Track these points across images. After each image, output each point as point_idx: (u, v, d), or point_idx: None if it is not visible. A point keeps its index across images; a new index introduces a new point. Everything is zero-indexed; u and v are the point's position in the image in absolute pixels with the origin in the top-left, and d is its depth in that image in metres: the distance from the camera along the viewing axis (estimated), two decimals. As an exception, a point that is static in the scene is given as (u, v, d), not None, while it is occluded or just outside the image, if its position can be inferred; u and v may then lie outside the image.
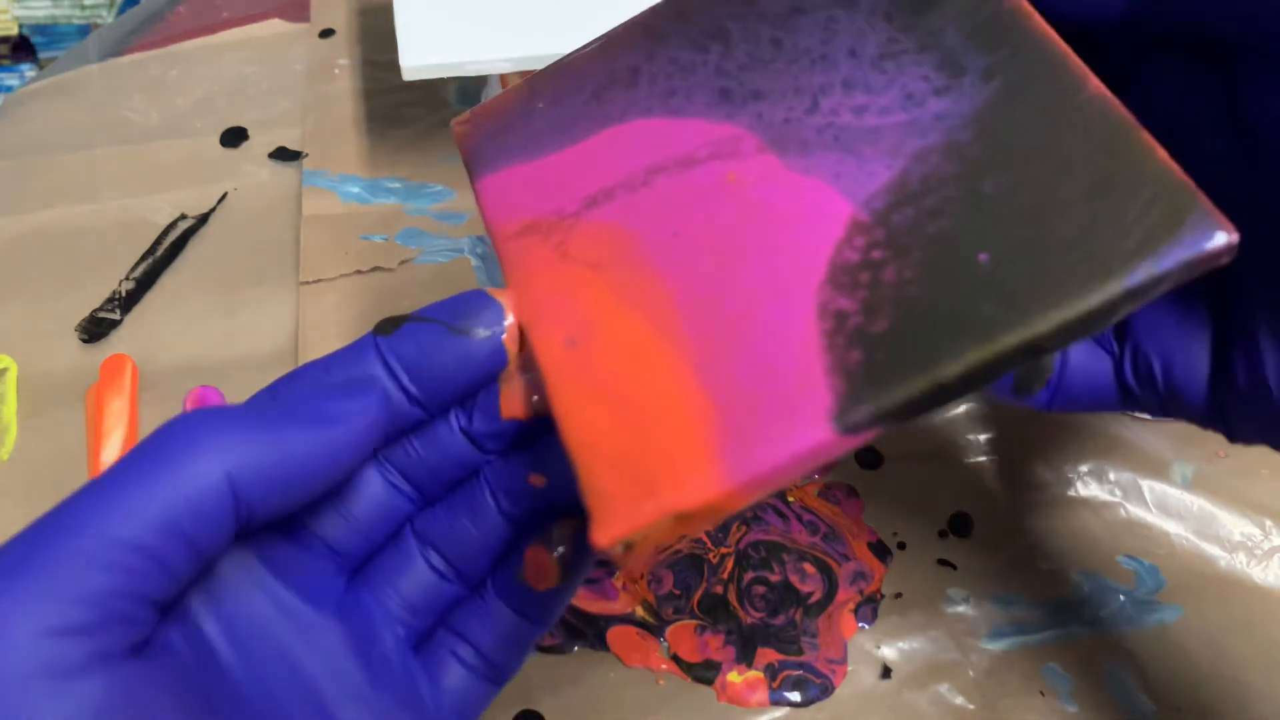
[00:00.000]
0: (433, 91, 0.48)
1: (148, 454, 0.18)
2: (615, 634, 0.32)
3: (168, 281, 0.42)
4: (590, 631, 0.32)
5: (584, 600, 0.33)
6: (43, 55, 1.45)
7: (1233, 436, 0.23)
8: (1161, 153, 0.19)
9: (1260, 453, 0.37)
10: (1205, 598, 0.34)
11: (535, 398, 0.22)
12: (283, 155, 0.46)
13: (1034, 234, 0.19)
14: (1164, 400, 0.23)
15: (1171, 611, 0.33)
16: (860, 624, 0.33)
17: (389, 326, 0.22)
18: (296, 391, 0.20)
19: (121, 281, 0.41)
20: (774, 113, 0.23)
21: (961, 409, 0.38)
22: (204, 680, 0.18)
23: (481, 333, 0.22)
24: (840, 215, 0.21)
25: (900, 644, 0.32)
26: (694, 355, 0.20)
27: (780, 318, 0.20)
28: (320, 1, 0.54)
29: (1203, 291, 0.22)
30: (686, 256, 0.22)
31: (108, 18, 1.39)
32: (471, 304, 0.22)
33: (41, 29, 1.44)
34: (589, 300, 0.22)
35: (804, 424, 0.19)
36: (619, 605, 0.33)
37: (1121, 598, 0.34)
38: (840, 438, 0.19)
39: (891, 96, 0.22)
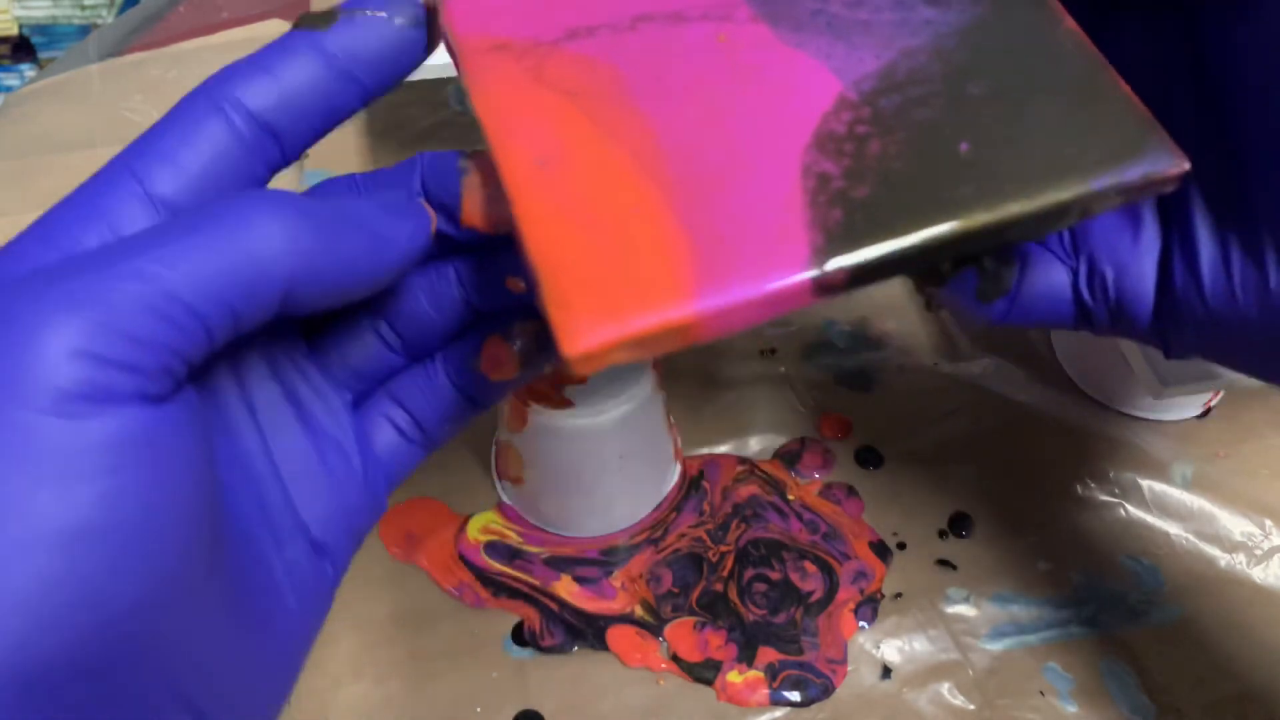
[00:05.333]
0: (433, 91, 0.48)
1: (219, 219, 0.18)
2: (615, 634, 0.32)
3: (168, 281, 0.42)
4: (590, 631, 0.32)
5: (583, 600, 0.33)
6: (43, 55, 1.45)
7: (1169, 350, 0.25)
8: (1127, 88, 0.22)
9: (1260, 452, 0.37)
10: (1205, 598, 0.34)
11: (497, 210, 0.22)
12: (283, 155, 0.46)
13: (1012, 133, 0.21)
14: (1113, 312, 0.25)
15: (1171, 611, 0.33)
16: (860, 623, 0.33)
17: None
18: (361, 207, 0.21)
19: (121, 281, 0.41)
20: None
21: (962, 411, 0.38)
22: (204, 443, 0.19)
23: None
24: (829, 90, 0.22)
25: (900, 644, 0.32)
26: (673, 192, 0.21)
27: (764, 171, 0.21)
28: (320, 2, 0.54)
29: (1152, 214, 0.24)
30: (671, 102, 0.22)
31: (108, 18, 1.39)
32: None
33: (41, 29, 1.44)
34: (564, 125, 0.22)
35: (780, 266, 0.20)
36: (618, 604, 0.33)
37: (1121, 598, 0.34)
38: (812, 285, 0.20)
39: None
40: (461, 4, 0.24)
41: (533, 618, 0.32)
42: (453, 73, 0.42)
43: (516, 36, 0.24)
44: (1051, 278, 0.25)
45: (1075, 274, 0.25)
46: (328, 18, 0.22)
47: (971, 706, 0.31)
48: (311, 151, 0.46)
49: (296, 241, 0.19)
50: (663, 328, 0.19)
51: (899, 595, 0.33)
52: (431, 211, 0.22)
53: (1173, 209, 0.24)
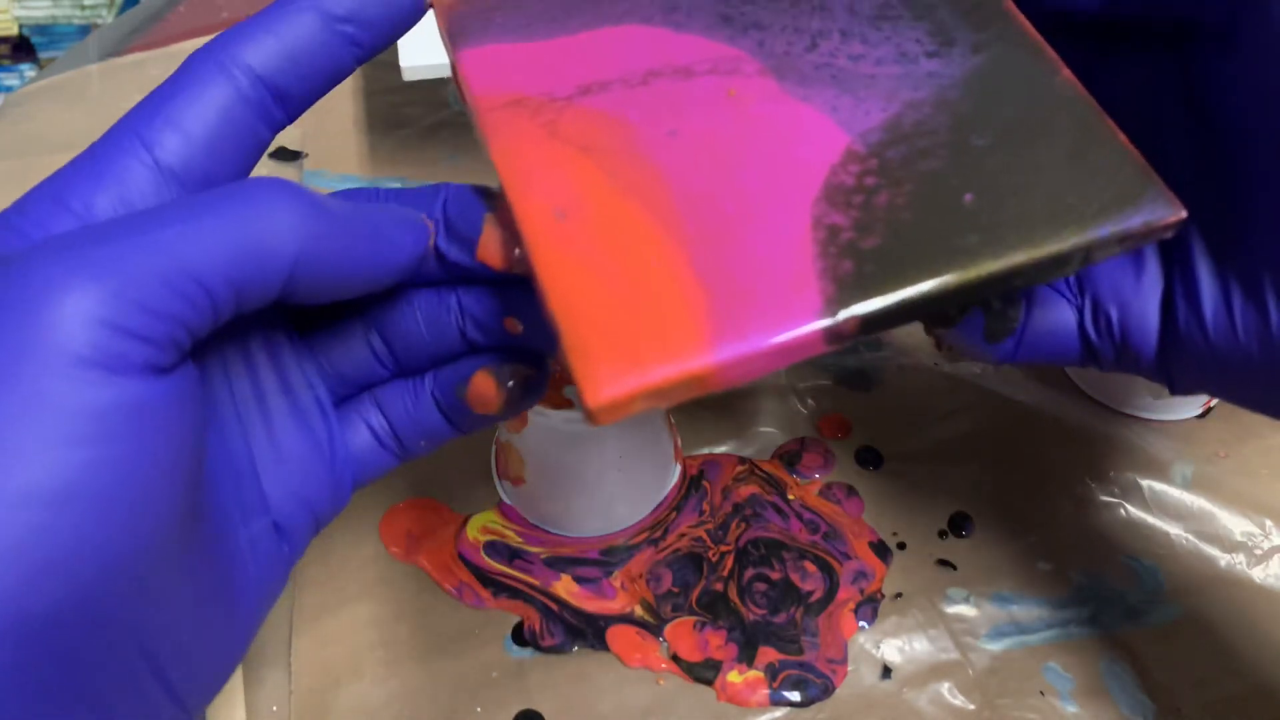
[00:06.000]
0: (433, 91, 0.48)
1: (237, 199, 0.19)
2: (615, 633, 0.32)
3: (168, 281, 0.42)
4: (590, 631, 0.32)
5: (583, 600, 0.33)
6: (43, 55, 1.45)
7: (1174, 386, 0.25)
8: (1123, 136, 0.22)
9: (1260, 452, 0.37)
10: (1205, 598, 0.34)
11: (516, 252, 0.23)
12: (283, 155, 0.46)
13: (1015, 183, 0.22)
14: (1118, 350, 0.25)
15: (1171, 611, 0.33)
16: (860, 623, 0.33)
17: None
18: (370, 211, 0.22)
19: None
20: (774, 44, 0.24)
21: (962, 411, 0.38)
22: (198, 416, 0.19)
23: None
24: (837, 143, 0.23)
25: (900, 644, 0.32)
26: (690, 244, 0.21)
27: (776, 223, 0.22)
28: None
29: (1155, 254, 0.25)
30: (683, 155, 0.23)
31: (108, 18, 1.39)
32: None
33: (41, 29, 1.44)
34: (579, 179, 0.23)
35: (794, 317, 0.20)
36: (617, 604, 0.33)
37: (1121, 598, 0.34)
38: (824, 334, 0.20)
39: (886, 50, 0.24)
40: (476, 61, 0.25)
41: (533, 618, 0.32)
42: (451, 73, 0.42)
43: (531, 93, 0.24)
44: (1057, 317, 0.26)
45: (1081, 313, 0.25)
46: None
47: (971, 706, 0.31)
48: (311, 151, 0.46)
49: (306, 229, 0.19)
50: (682, 378, 0.20)
51: (899, 595, 0.33)
52: (430, 225, 0.23)
53: (1174, 249, 0.25)
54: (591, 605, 0.33)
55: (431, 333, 0.24)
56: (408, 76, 0.38)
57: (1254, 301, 0.23)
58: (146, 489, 0.18)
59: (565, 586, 0.33)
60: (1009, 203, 0.22)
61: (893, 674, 0.32)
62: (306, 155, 0.46)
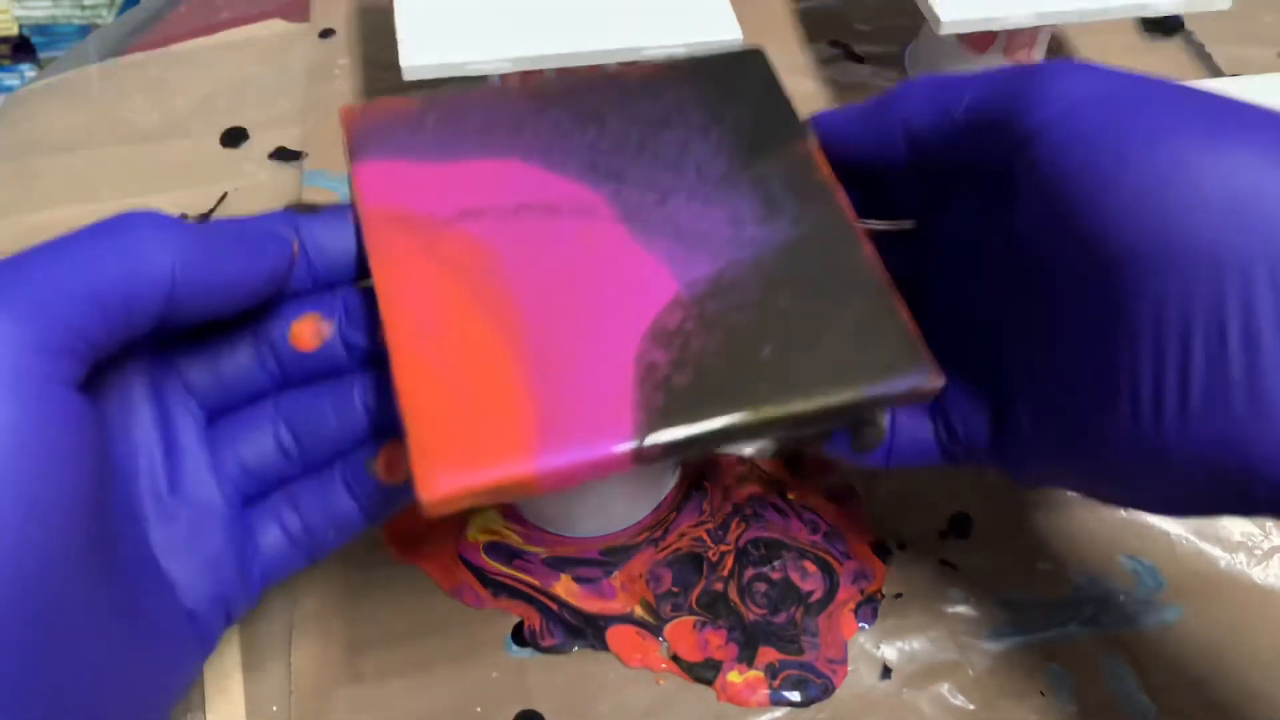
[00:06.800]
0: (433, 91, 0.48)
1: (111, 229, 0.22)
2: (615, 634, 0.32)
3: (168, 281, 0.42)
4: (590, 631, 0.32)
5: (583, 600, 0.33)
6: (43, 55, 1.45)
7: (1019, 481, 0.29)
8: (906, 313, 0.26)
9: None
10: (1205, 598, 0.34)
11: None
12: (283, 155, 0.46)
13: (806, 342, 0.25)
14: (968, 457, 0.29)
15: (1171, 611, 0.33)
16: (860, 624, 0.33)
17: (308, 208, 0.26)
18: (228, 226, 0.24)
19: (121, 281, 0.41)
20: (630, 195, 0.28)
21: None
22: (99, 439, 0.21)
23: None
24: (667, 290, 0.26)
25: (900, 644, 0.32)
26: (530, 365, 0.24)
27: (607, 354, 0.25)
28: (320, 1, 0.54)
29: (982, 378, 0.28)
30: (538, 284, 0.26)
31: (108, 18, 1.39)
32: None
33: (41, 29, 1.44)
34: (446, 296, 0.25)
35: (607, 441, 0.23)
36: (617, 604, 0.33)
37: (1121, 598, 0.34)
38: (632, 455, 0.23)
39: (722, 214, 0.28)
40: (372, 175, 0.28)
41: (533, 618, 0.32)
42: (452, 73, 0.42)
43: (416, 210, 0.27)
44: (918, 430, 0.29)
45: (936, 425, 0.29)
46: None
47: (972, 706, 0.31)
48: (311, 151, 0.46)
49: (178, 241, 0.22)
50: (506, 483, 0.23)
51: (899, 595, 0.33)
52: (295, 240, 0.26)
53: (998, 373, 0.28)
54: (591, 605, 0.33)
55: (339, 419, 0.26)
56: (408, 77, 0.38)
57: (1015, 424, 0.27)
58: (52, 502, 0.19)
59: (565, 586, 0.33)
60: (799, 359, 0.25)
61: (893, 674, 0.32)
62: (307, 155, 0.46)
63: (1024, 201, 0.25)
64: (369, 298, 0.26)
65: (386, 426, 0.26)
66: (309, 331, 0.26)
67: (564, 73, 0.30)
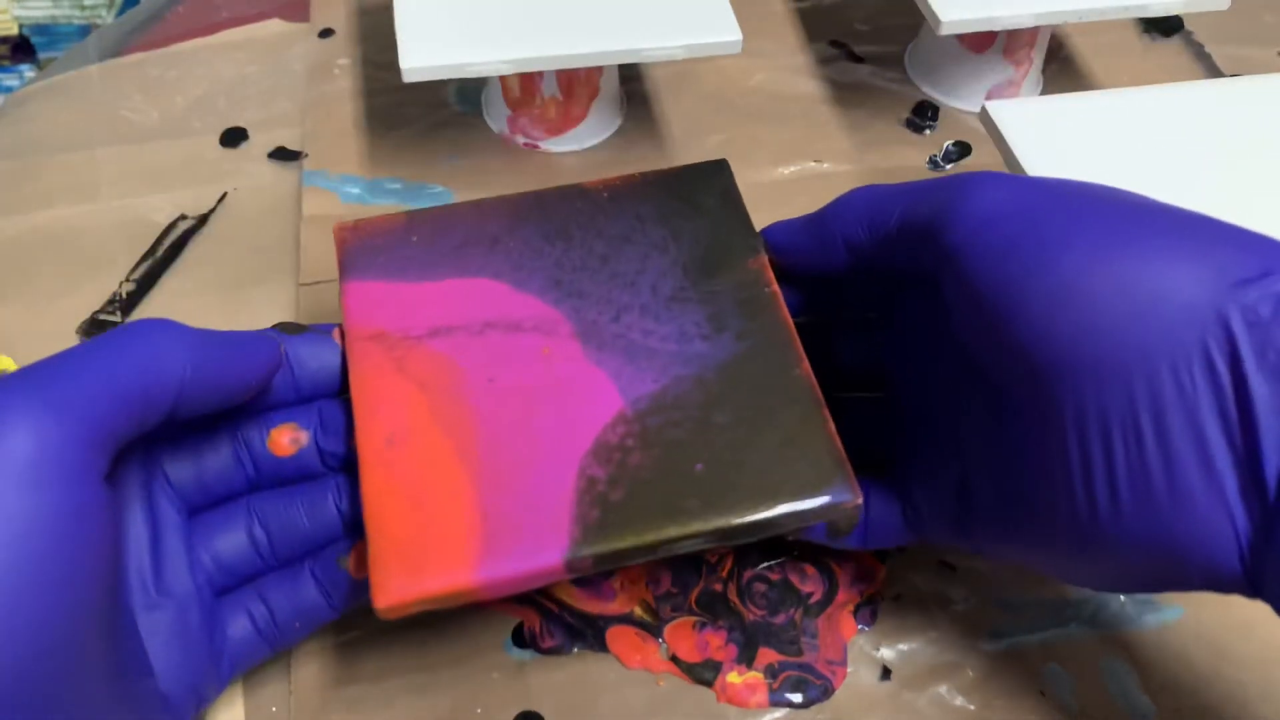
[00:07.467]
0: (433, 92, 0.48)
1: (131, 335, 0.24)
2: (615, 634, 0.32)
3: (168, 282, 0.42)
4: (590, 632, 0.32)
5: (583, 600, 0.33)
6: (43, 55, 1.45)
7: (982, 555, 0.30)
8: (832, 427, 0.27)
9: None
10: (1205, 598, 0.33)
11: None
12: (283, 155, 0.46)
13: (738, 460, 0.27)
14: (934, 532, 0.30)
15: (1171, 611, 0.33)
16: (860, 626, 0.33)
17: (294, 328, 0.29)
18: (226, 334, 0.26)
19: (122, 283, 0.41)
20: (588, 311, 0.30)
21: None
22: (115, 527, 0.23)
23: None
24: (613, 405, 0.28)
25: (900, 645, 0.32)
26: (481, 481, 0.26)
27: (553, 469, 0.26)
28: (320, 1, 0.54)
29: (947, 458, 0.29)
30: (496, 401, 0.28)
31: (108, 18, 1.39)
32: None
33: (41, 29, 1.43)
34: (411, 411, 0.27)
35: (544, 554, 0.25)
36: (617, 605, 0.33)
37: (1122, 598, 0.34)
38: (566, 567, 0.25)
39: (671, 329, 0.29)
40: (357, 294, 0.30)
41: (532, 619, 0.32)
42: (451, 74, 0.42)
43: (391, 329, 0.29)
44: (889, 513, 0.30)
45: (904, 506, 0.30)
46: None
47: (971, 707, 0.31)
48: (311, 151, 0.46)
49: (194, 347, 0.24)
50: (452, 592, 0.25)
51: (899, 597, 0.33)
52: (282, 346, 0.28)
53: (962, 464, 0.29)
54: (591, 606, 0.33)
55: (312, 519, 0.28)
56: (408, 78, 0.38)
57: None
58: (72, 582, 0.21)
59: (565, 588, 0.33)
60: (728, 475, 0.26)
61: (892, 675, 0.32)
62: (306, 155, 0.46)
63: (953, 311, 0.27)
64: (350, 409, 0.28)
65: (359, 525, 0.27)
66: (286, 438, 0.28)
67: (541, 193, 0.33)
